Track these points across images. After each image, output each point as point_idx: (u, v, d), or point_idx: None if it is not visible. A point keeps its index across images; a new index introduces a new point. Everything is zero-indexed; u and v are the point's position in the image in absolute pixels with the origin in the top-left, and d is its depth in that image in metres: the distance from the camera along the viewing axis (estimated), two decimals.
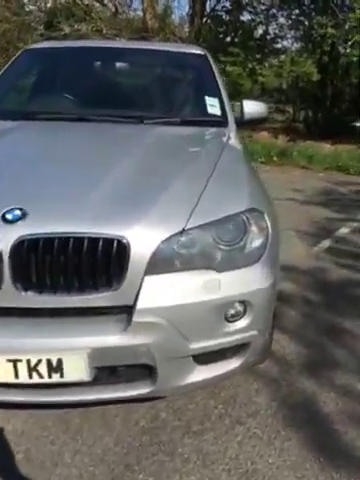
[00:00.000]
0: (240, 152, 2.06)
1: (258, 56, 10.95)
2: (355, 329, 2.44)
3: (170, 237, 1.35)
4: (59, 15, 12.01)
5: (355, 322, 2.50)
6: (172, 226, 1.37)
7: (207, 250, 1.42)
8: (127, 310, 1.31)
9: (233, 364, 1.52)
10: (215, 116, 2.43)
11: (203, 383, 1.53)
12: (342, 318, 2.54)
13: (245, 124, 2.66)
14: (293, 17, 10.62)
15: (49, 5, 13.30)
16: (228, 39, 11.44)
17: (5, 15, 12.04)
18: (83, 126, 2.11)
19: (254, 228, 1.55)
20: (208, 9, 11.76)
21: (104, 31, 11.18)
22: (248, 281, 1.45)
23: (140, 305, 1.29)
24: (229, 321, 1.45)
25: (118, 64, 2.60)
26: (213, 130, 2.27)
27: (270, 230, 1.59)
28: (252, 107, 2.58)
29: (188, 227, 1.39)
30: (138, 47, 2.83)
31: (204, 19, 11.76)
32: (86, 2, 12.19)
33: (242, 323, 1.46)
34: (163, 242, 1.34)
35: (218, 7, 11.40)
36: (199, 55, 2.79)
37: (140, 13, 12.70)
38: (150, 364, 1.34)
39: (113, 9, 12.82)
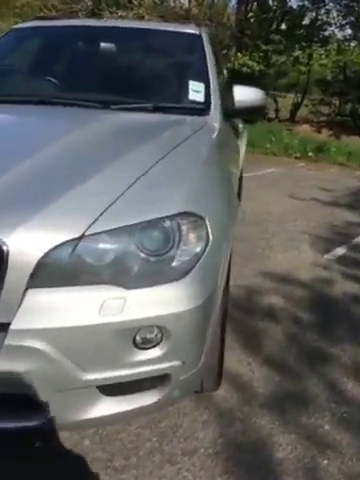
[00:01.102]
0: (209, 146, 1.77)
1: (304, 44, 10.36)
2: (343, 357, 2.09)
3: (64, 243, 1.11)
4: (103, 2, 12.01)
5: (345, 349, 2.15)
6: (69, 230, 1.13)
7: (117, 261, 1.17)
8: (3, 329, 1.09)
9: (150, 398, 1.27)
10: (196, 103, 2.14)
11: (115, 417, 1.29)
12: (331, 343, 2.20)
13: (236, 114, 2.36)
14: (344, 2, 9.88)
15: None
16: (274, 26, 10.88)
17: (53, 4, 12.18)
18: (38, 110, 1.91)
19: (188, 236, 1.28)
20: None
21: (146, 18, 11.00)
22: (166, 301, 1.19)
23: (16, 325, 1.07)
24: (140, 348, 1.20)
25: (101, 44, 2.38)
26: (188, 119, 1.99)
27: (211, 240, 1.31)
28: (244, 94, 2.26)
29: (92, 232, 1.14)
30: (127, 26, 2.59)
31: (250, 6, 11.29)
32: None
33: (156, 352, 1.20)
34: (54, 249, 1.10)
35: None
36: (192, 35, 2.49)
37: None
38: (30, 395, 1.12)
39: None
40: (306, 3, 10.64)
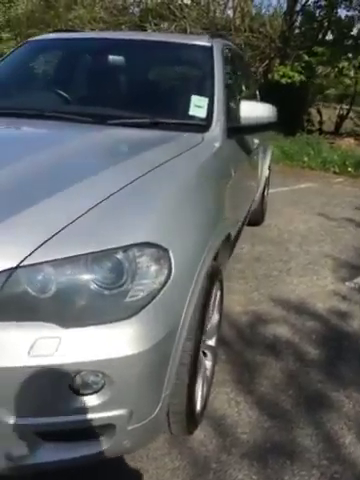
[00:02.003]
0: (195, 167, 1.62)
1: (351, 55, 9.94)
2: (346, 405, 1.86)
3: None
4: (149, 15, 12.21)
5: (350, 394, 1.92)
6: (4, 257, 1.03)
7: (59, 296, 1.06)
8: None
9: (94, 448, 1.14)
10: (196, 119, 2.02)
11: (56, 464, 1.18)
12: (336, 386, 1.97)
13: (242, 131, 2.20)
14: None
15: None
16: (319, 37, 10.53)
17: (101, 16, 12.55)
18: (27, 124, 1.86)
19: (146, 269, 1.15)
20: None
21: (188, 30, 11.03)
22: (110, 343, 1.06)
23: None
24: (80, 394, 1.08)
25: (107, 57, 2.32)
26: (184, 136, 1.87)
27: (173, 274, 1.18)
28: (252, 110, 2.11)
29: (31, 262, 1.04)
30: (136, 38, 2.50)
31: (295, 17, 11.01)
32: (179, 2, 12.19)
33: (97, 400, 1.07)
34: None
35: (310, 2, 10.52)
36: (203, 47, 2.37)
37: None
38: None
39: (204, 8, 12.63)
40: (357, 12, 10.23)
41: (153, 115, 1.99)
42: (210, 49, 2.35)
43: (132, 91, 2.20)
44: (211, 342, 1.84)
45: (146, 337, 1.10)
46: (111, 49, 2.36)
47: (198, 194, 1.51)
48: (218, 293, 1.78)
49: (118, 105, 2.06)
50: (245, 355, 2.18)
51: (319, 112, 11.57)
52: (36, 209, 1.16)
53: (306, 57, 8.95)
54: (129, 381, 1.09)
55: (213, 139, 1.96)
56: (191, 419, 1.48)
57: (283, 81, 8.75)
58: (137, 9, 13.59)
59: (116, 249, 1.12)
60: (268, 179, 4.23)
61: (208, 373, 1.79)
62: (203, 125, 1.98)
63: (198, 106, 2.06)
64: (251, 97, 3.55)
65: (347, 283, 3.06)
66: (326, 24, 10.78)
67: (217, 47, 2.39)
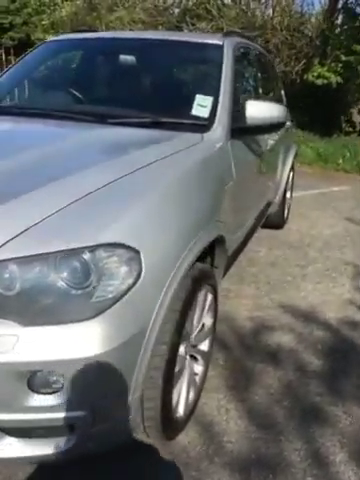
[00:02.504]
0: (184, 167, 1.58)
1: None
2: (343, 421, 1.76)
3: None
4: (186, 15, 12.24)
5: (349, 410, 1.81)
6: None
7: (22, 293, 1.06)
8: None
9: (56, 447, 1.14)
10: (198, 118, 1.98)
11: (21, 459, 1.18)
12: (335, 400, 1.87)
13: (249, 132, 2.14)
14: None
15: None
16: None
17: (140, 17, 12.71)
18: (26, 123, 1.89)
19: (115, 270, 1.14)
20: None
21: (224, 29, 10.94)
22: (70, 343, 1.05)
23: None
24: (39, 393, 1.07)
25: (116, 57, 2.32)
26: (182, 136, 1.83)
27: (143, 276, 1.16)
28: (259, 110, 2.05)
29: None
30: (146, 38, 2.49)
31: (336, 15, 10.66)
32: (218, 1, 12.15)
33: (56, 399, 1.07)
34: None
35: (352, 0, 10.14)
36: (213, 45, 2.32)
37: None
38: None
39: (244, 7, 12.50)
40: None
41: (155, 114, 1.97)
42: (220, 47, 2.30)
43: (137, 90, 2.20)
44: (203, 346, 1.80)
45: (109, 338, 1.09)
46: (119, 49, 2.36)
47: (184, 195, 1.47)
48: (209, 297, 1.73)
49: (121, 104, 2.06)
50: (244, 362, 2.12)
51: None
52: (8, 207, 1.17)
53: (343, 57, 8.61)
54: (90, 382, 1.08)
55: (214, 139, 1.92)
56: (168, 424, 1.45)
57: (319, 82, 8.49)
58: (177, 10, 13.65)
59: (83, 249, 1.11)
60: (291, 180, 4.11)
61: (198, 378, 1.75)
62: (204, 125, 1.94)
63: (201, 105, 2.03)
64: (272, 98, 3.46)
65: None
66: None
67: (228, 45, 2.33)
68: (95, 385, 1.10)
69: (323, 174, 7.42)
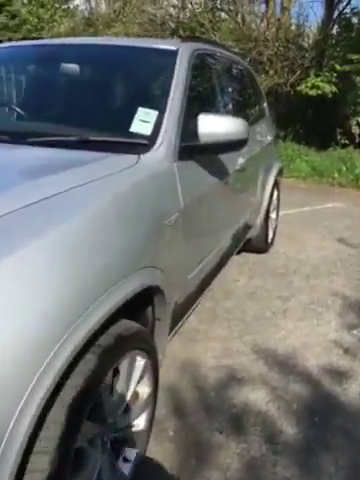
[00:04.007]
0: (104, 199, 1.20)
1: None
2: None
3: None
4: (180, 29, 12.14)
5: None
6: None
7: None
8: None
9: None
10: (136, 136, 1.63)
11: None
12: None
13: (203, 151, 1.79)
14: None
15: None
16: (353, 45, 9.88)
17: (136, 31, 12.62)
18: None
19: None
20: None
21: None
22: None
23: None
24: None
25: (51, 65, 2.00)
26: (111, 158, 1.47)
27: None
28: (213, 125, 1.70)
29: None
30: (89, 43, 2.17)
31: (331, 26, 10.44)
32: (208, 16, 12.04)
33: None
34: None
35: (347, 10, 9.91)
36: (165, 51, 1.99)
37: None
38: None
39: (240, 20, 12.36)
40: None
41: (86, 132, 1.63)
42: (174, 53, 1.96)
43: (69, 104, 1.86)
44: (137, 425, 1.42)
45: None
46: (52, 56, 2.04)
47: (93, 236, 1.11)
48: (140, 363, 1.36)
49: (47, 120, 1.73)
50: (200, 431, 1.73)
51: (359, 124, 10.84)
52: None
53: (338, 67, 8.33)
54: None
55: (154, 161, 1.56)
56: None
57: (312, 92, 8.19)
58: (173, 24, 13.54)
59: None
60: (275, 200, 3.75)
61: (124, 467, 1.37)
62: (143, 144, 1.59)
63: (143, 121, 1.68)
64: (247, 112, 3.13)
65: (355, 331, 2.52)
66: None
67: (184, 51, 2.00)
68: None
69: (318, 189, 7.08)
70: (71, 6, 17.08)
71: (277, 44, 10.27)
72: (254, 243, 3.47)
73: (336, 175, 7.46)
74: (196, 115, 1.71)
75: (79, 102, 1.85)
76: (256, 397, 1.94)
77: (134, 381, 1.36)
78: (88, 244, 1.10)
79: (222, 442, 1.67)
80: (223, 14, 13.05)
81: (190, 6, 12.77)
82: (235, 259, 3.46)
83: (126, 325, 1.25)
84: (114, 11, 14.02)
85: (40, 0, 15.97)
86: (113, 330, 1.19)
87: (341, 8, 10.43)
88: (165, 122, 1.68)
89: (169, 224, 1.53)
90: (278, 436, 1.72)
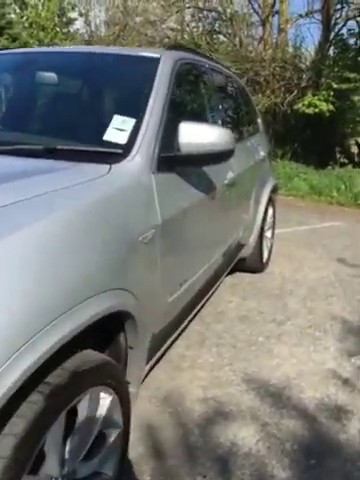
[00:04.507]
0: (63, 216, 1.05)
1: None
2: None
3: None
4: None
5: None
6: None
7: None
8: None
9: None
10: (110, 145, 1.49)
11: None
12: None
13: (184, 162, 1.65)
14: None
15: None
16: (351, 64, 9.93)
17: (136, 46, 12.81)
18: None
19: None
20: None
21: None
22: None
23: None
24: None
25: (24, 73, 1.88)
26: (80, 167, 1.33)
27: None
28: (195, 135, 1.56)
29: None
30: (66, 51, 2.07)
31: (328, 46, 10.52)
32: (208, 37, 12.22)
33: None
34: None
35: (343, 31, 10.00)
36: (147, 59, 1.87)
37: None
38: None
39: (238, 43, 12.52)
40: None
41: (55, 140, 1.49)
42: (156, 61, 1.84)
43: (41, 112, 1.74)
44: (105, 471, 1.24)
45: None
46: (33, 64, 1.92)
47: (52, 253, 0.95)
48: (106, 401, 1.18)
49: (12, 127, 1.59)
50: (180, 476, 1.53)
51: (358, 144, 10.80)
52: None
53: (334, 85, 8.32)
54: None
55: (128, 172, 1.42)
56: None
57: (309, 111, 8.16)
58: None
59: None
60: (270, 218, 3.60)
61: None
62: (117, 153, 1.45)
63: (119, 129, 1.54)
64: (238, 126, 3.01)
65: (354, 359, 2.33)
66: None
67: (167, 59, 1.88)
68: None
69: (316, 208, 6.94)
70: (71, 30, 17.37)
71: (274, 64, 10.35)
72: (248, 263, 3.31)
73: (335, 193, 7.34)
74: (176, 125, 1.58)
75: (52, 110, 1.73)
76: (245, 435, 1.74)
77: (98, 421, 1.17)
78: (37, 260, 0.94)
79: None
80: (221, 37, 13.27)
81: (188, 29, 12.99)
82: (228, 279, 3.30)
83: (85, 357, 1.08)
84: (113, 33, 14.21)
85: (41, 24, 16.23)
86: (68, 364, 1.02)
87: (337, 30, 10.57)
88: (143, 130, 1.55)
89: (144, 241, 1.37)
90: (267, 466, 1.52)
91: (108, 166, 1.38)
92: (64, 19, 17.25)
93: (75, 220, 1.10)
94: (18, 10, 16.21)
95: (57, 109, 1.74)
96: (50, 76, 1.82)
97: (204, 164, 1.74)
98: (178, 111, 1.83)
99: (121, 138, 1.52)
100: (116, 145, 1.50)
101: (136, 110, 1.63)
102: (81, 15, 16.93)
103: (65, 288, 0.99)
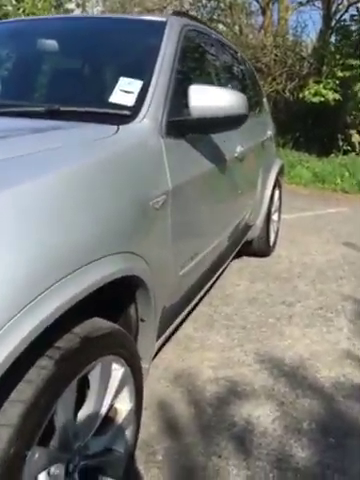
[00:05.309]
0: (69, 171, 0.97)
1: None
2: None
3: None
4: None
5: None
6: None
7: None
8: None
9: None
10: (117, 107, 1.40)
11: None
12: None
13: (195, 127, 1.56)
14: None
15: None
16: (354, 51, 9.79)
17: None
18: None
19: None
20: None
21: None
22: None
23: None
24: None
25: (33, 40, 1.79)
26: (86, 127, 1.25)
27: None
28: (207, 98, 1.47)
29: None
30: (73, 17, 1.98)
31: (329, 33, 10.38)
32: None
33: None
34: None
35: (346, 16, 9.86)
36: (153, 22, 1.78)
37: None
38: None
39: (238, 31, 12.37)
40: None
41: (59, 102, 1.40)
42: (162, 24, 1.75)
43: (46, 77, 1.65)
44: (117, 448, 1.16)
45: None
46: (32, 31, 1.83)
47: (39, 206, 0.86)
48: (118, 372, 1.10)
49: (20, 92, 1.51)
50: (194, 455, 1.46)
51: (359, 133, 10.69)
52: None
53: (339, 73, 8.20)
54: None
55: (136, 134, 1.33)
56: None
57: (315, 100, 8.05)
58: None
59: None
60: (277, 200, 3.51)
61: None
62: (125, 115, 1.37)
63: (126, 91, 1.45)
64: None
65: None
66: None
67: (173, 23, 1.78)
68: None
69: (320, 195, 6.85)
70: None
71: (275, 51, 10.21)
72: (255, 246, 3.23)
73: (339, 181, 7.24)
74: (187, 90, 1.49)
75: (57, 75, 1.65)
76: (260, 413, 1.66)
77: (110, 394, 1.10)
78: (42, 215, 0.86)
79: (220, 470, 1.40)
80: (221, 26, 13.10)
81: None
82: (234, 263, 3.22)
83: (96, 324, 1.00)
84: None
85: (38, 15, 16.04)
86: (79, 329, 0.94)
87: (339, 16, 10.43)
88: (151, 93, 1.46)
89: (155, 207, 1.28)
90: (286, 461, 1.44)
91: (116, 127, 1.29)
92: (61, 10, 17.04)
93: (82, 177, 1.02)
94: (14, 1, 15.99)
95: (63, 74, 1.65)
96: (52, 44, 1.73)
97: (216, 130, 1.65)
98: (187, 76, 1.74)
99: (128, 100, 1.43)
100: (123, 107, 1.41)
101: (143, 73, 1.54)
102: (78, 6, 16.73)
103: (78, 244, 0.90)
